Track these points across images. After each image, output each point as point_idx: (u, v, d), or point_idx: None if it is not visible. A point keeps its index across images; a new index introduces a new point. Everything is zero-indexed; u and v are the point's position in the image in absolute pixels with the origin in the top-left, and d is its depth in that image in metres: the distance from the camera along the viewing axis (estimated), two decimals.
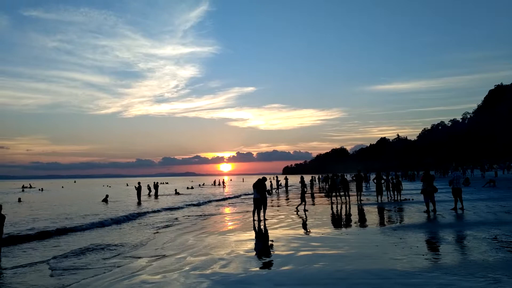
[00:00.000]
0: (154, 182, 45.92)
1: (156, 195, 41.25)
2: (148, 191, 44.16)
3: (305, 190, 22.61)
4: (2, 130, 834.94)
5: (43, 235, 14.85)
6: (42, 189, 71.20)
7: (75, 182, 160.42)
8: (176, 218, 20.23)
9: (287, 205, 26.14)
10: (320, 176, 70.24)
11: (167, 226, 17.05)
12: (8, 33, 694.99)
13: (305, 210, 20.75)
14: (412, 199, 24.84)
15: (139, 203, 30.73)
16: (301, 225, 15.48)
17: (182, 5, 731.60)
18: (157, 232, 15.24)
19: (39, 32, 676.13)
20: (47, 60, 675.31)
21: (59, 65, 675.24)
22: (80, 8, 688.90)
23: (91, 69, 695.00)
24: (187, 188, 63.71)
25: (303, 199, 21.57)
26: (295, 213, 20.06)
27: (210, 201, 32.85)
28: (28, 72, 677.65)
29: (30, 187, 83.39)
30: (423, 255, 9.14)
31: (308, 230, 13.88)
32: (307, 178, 59.38)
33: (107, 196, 35.59)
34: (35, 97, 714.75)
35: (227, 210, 24.87)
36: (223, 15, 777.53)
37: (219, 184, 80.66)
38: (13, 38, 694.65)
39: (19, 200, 38.86)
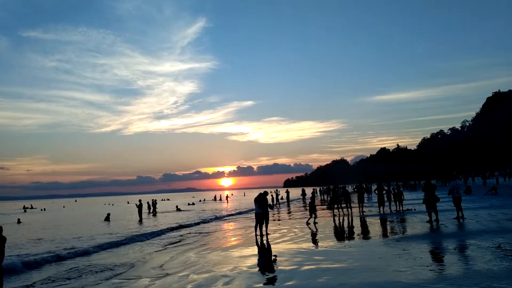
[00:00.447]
0: (152, 200, 45.62)
1: (154, 213, 40.89)
2: (148, 209, 43.93)
3: (313, 203, 22.39)
4: (2, 151, 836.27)
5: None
6: (44, 209, 70.98)
7: (75, 201, 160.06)
8: (180, 235, 20.14)
9: (289, 219, 26.01)
10: (321, 188, 70.16)
11: (169, 244, 16.97)
12: (7, 54, 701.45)
13: (315, 223, 20.58)
14: (414, 209, 24.75)
15: (140, 221, 30.61)
16: (304, 239, 15.39)
17: (180, 22, 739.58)
18: (159, 251, 15.16)
19: (38, 52, 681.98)
20: (46, 80, 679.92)
21: (59, 85, 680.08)
22: (79, 28, 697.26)
23: (90, 88, 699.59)
24: (188, 204, 63.46)
25: (313, 211, 21.46)
26: (307, 225, 20.00)
27: (214, 219, 30.84)
28: (28, 93, 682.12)
29: (31, 207, 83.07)
30: (427, 266, 9.08)
31: (311, 244, 13.81)
32: (308, 191, 59.36)
33: (108, 214, 35.42)
34: (35, 117, 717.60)
35: (230, 226, 24.77)
36: (220, 31, 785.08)
37: (220, 199, 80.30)
38: (12, 59, 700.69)
39: (19, 221, 38.55)
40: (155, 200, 45.93)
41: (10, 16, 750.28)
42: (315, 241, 14.41)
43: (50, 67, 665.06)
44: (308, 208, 22.10)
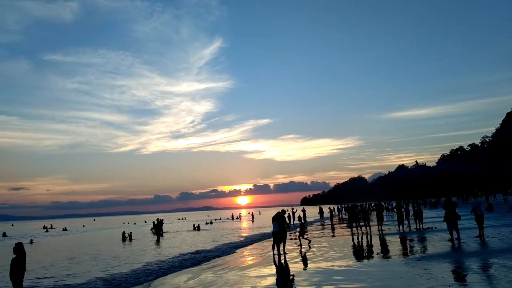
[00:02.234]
0: (157, 219, 42.47)
1: (160, 233, 38.78)
2: (155, 229, 42.07)
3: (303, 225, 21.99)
4: (23, 171, 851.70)
5: None
6: (65, 228, 71.73)
7: (94, 220, 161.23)
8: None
9: (306, 237, 25.74)
10: (339, 207, 69.40)
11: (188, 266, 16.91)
12: (29, 77, 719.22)
13: (300, 245, 20.05)
14: (435, 228, 24.32)
15: (157, 242, 30.58)
16: (322, 258, 15.22)
17: (196, 43, 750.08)
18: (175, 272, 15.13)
19: (58, 75, 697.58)
20: (66, 102, 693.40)
21: (78, 106, 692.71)
22: (98, 50, 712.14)
23: (109, 109, 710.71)
24: (206, 223, 62.94)
25: (301, 233, 21.36)
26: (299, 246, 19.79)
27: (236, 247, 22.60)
28: (49, 114, 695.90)
29: (51, 227, 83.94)
30: (449, 286, 8.89)
31: (330, 263, 13.65)
32: (326, 209, 58.69)
33: (130, 233, 35.49)
34: (55, 138, 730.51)
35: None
36: (236, 51, 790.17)
37: (237, 218, 79.77)
38: (34, 81, 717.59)
39: (31, 241, 38.77)
40: (162, 220, 42.93)
41: (32, 40, 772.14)
42: (333, 261, 14.23)
43: (71, 89, 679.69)
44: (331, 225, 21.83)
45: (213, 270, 14.16)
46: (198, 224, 51.06)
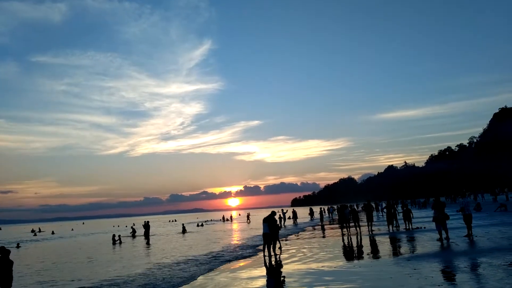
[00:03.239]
0: (144, 222, 41.43)
1: (146, 236, 37.70)
2: (132, 233, 41.83)
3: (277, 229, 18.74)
4: (12, 174, 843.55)
5: None
6: (53, 232, 70.90)
7: (83, 223, 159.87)
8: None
9: (297, 239, 25.80)
10: (329, 207, 69.62)
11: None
12: (17, 79, 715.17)
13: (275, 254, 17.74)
14: (424, 227, 24.50)
15: (147, 243, 30.40)
16: (313, 259, 15.24)
17: (186, 45, 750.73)
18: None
19: (47, 76, 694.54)
20: (55, 104, 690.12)
21: (67, 108, 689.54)
22: (87, 52, 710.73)
23: (98, 110, 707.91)
24: (197, 225, 62.32)
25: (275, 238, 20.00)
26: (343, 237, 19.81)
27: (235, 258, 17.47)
28: (37, 116, 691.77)
29: (40, 231, 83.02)
30: (439, 285, 8.97)
31: (320, 264, 13.68)
32: (316, 210, 58.93)
33: (114, 236, 35.23)
34: (44, 141, 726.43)
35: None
36: (226, 52, 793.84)
37: (228, 220, 79.25)
38: (22, 83, 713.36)
39: (18, 245, 38.27)
40: (148, 222, 41.23)
41: (20, 42, 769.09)
42: (324, 261, 14.26)
43: (59, 91, 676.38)
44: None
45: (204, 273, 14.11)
46: (183, 227, 50.60)
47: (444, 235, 17.47)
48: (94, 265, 18.93)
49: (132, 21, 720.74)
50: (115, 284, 12.80)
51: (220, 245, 25.00)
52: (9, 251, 11.18)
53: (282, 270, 13.25)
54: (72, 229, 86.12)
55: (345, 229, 25.92)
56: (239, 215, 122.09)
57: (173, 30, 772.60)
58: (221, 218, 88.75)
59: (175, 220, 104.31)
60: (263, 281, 11.59)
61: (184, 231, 45.05)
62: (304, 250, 18.48)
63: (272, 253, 17.33)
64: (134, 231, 42.61)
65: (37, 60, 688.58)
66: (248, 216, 71.40)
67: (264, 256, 17.13)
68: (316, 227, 36.27)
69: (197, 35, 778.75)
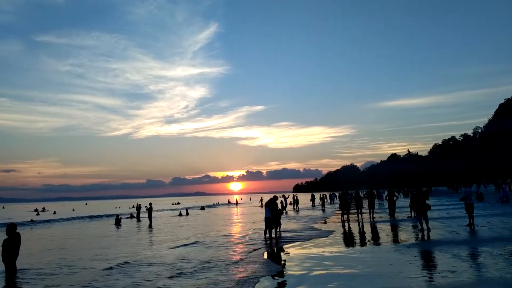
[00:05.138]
0: (137, 204, 40.96)
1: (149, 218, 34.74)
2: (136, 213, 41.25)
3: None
4: (15, 153, 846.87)
5: None
6: (55, 212, 71.22)
7: (86, 204, 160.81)
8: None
9: (297, 223, 25.89)
10: (331, 194, 69.79)
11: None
12: (21, 58, 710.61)
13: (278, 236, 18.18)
14: None
15: (150, 226, 30.52)
16: (314, 243, 15.32)
17: (192, 28, 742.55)
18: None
19: (51, 56, 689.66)
20: (59, 84, 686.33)
21: (71, 89, 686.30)
22: (92, 33, 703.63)
23: (102, 92, 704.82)
24: (201, 208, 62.44)
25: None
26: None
27: None
28: (41, 96, 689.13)
29: (44, 210, 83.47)
30: (439, 273, 9.00)
31: (321, 249, 13.74)
32: (318, 196, 58.93)
33: (117, 217, 35.43)
34: (47, 121, 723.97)
35: None
36: (232, 36, 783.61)
37: (233, 203, 79.22)
38: (26, 63, 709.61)
39: (32, 220, 38.66)
40: (150, 204, 37.22)
41: (24, 20, 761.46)
42: (324, 247, 14.33)
43: (63, 71, 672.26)
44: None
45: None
46: (186, 210, 50.95)
47: (425, 226, 17.24)
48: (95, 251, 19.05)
49: (139, 2, 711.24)
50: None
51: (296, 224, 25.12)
52: (15, 226, 11.46)
53: (282, 254, 13.31)
54: (74, 209, 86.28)
55: (345, 216, 25.99)
56: (241, 199, 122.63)
57: (179, 13, 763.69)
58: (227, 201, 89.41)
59: (179, 203, 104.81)
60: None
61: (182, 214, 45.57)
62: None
63: (275, 235, 17.68)
64: (138, 210, 41.39)
65: (41, 40, 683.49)
66: (261, 200, 71.10)
67: (266, 238, 17.26)
68: (317, 213, 36.25)
69: (203, 18, 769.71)
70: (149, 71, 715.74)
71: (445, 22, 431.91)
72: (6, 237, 11.15)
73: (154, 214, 38.02)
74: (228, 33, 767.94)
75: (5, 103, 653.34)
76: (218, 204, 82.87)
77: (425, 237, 15.43)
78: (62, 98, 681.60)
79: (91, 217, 46.09)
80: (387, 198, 25.79)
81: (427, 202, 18.01)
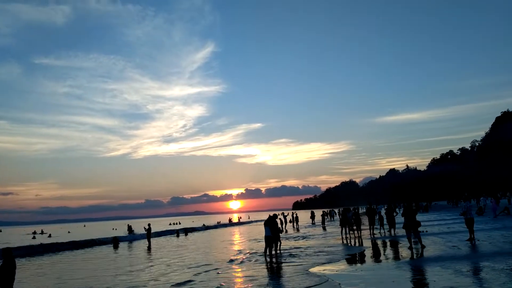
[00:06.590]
0: (128, 225, 42.18)
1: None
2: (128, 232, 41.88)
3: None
4: (13, 176, 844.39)
5: None
6: (50, 235, 70.34)
7: (84, 226, 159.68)
8: None
9: (295, 241, 25.72)
10: (331, 211, 69.59)
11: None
12: (20, 81, 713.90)
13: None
14: (426, 231, 24.38)
15: (149, 248, 30.17)
16: (315, 261, 15.19)
17: (189, 47, 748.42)
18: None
19: (49, 78, 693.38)
20: (57, 106, 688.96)
21: (70, 110, 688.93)
22: (90, 54, 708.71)
23: (100, 113, 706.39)
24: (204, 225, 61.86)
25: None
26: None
27: None
28: (39, 118, 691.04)
29: (42, 232, 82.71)
30: None
31: (322, 267, 13.62)
32: (318, 213, 58.75)
33: (114, 238, 35.15)
34: (46, 142, 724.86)
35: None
36: (229, 55, 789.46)
37: (237, 223, 78.78)
38: (25, 85, 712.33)
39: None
40: (149, 225, 36.06)
41: (23, 43, 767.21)
42: (325, 264, 14.21)
43: (62, 93, 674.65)
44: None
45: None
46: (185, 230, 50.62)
47: (418, 244, 16.77)
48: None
49: (136, 23, 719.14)
50: None
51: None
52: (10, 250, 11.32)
53: (281, 272, 13.18)
54: (69, 232, 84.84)
55: (346, 231, 25.83)
56: (240, 218, 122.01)
57: (176, 33, 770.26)
58: (228, 220, 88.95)
59: (179, 223, 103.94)
60: (264, 281, 11.46)
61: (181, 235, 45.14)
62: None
63: (275, 252, 17.85)
64: (130, 228, 42.21)
65: (40, 62, 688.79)
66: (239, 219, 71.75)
67: (266, 258, 17.13)
68: (317, 230, 36.03)
69: (200, 37, 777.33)
70: (147, 91, 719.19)
71: (442, 36, 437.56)
72: (2, 262, 11.04)
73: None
74: (225, 52, 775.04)
75: (4, 125, 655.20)
76: (220, 224, 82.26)
77: (415, 256, 14.89)
78: (60, 120, 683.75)
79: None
80: (386, 214, 25.69)
81: (417, 218, 17.40)
